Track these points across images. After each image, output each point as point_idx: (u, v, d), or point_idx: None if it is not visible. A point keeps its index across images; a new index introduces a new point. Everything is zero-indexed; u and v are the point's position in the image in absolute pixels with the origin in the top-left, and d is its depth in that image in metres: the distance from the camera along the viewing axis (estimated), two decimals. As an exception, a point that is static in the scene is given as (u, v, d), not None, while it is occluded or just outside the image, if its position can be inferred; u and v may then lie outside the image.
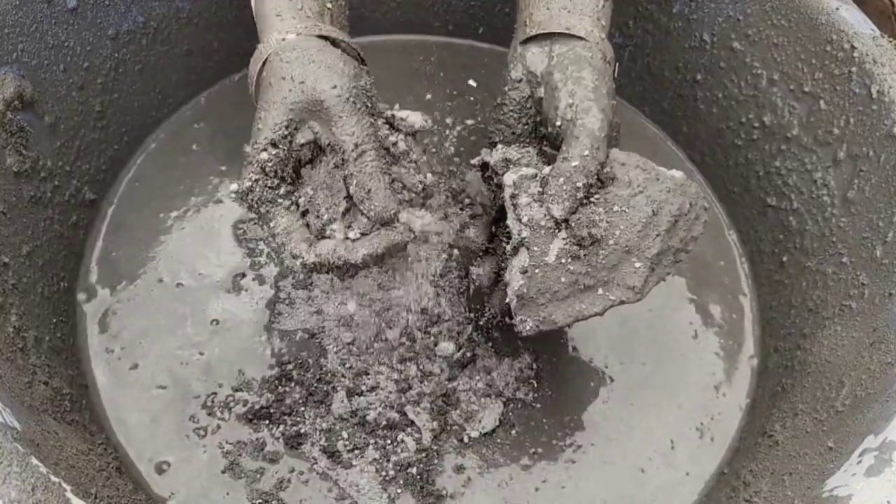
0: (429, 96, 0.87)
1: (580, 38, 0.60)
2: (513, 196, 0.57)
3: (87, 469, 0.54)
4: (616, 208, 0.55)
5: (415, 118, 0.60)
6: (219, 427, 0.64)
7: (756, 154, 0.77)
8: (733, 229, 0.81)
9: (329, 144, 0.56)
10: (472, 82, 0.89)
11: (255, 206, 0.57)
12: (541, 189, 0.56)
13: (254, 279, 0.72)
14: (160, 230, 0.75)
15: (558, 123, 0.59)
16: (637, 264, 0.56)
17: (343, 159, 0.55)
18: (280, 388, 0.66)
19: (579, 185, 0.55)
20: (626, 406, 0.69)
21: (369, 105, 0.57)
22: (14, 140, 0.63)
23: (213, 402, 0.65)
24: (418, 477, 0.62)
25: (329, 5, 0.62)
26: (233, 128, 0.82)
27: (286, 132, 0.56)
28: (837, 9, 0.67)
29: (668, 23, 0.81)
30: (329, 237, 0.57)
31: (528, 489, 0.64)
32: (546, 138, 0.63)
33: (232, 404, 0.65)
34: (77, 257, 0.72)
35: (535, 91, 0.62)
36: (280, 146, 0.56)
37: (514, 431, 0.66)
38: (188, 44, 0.81)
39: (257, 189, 0.56)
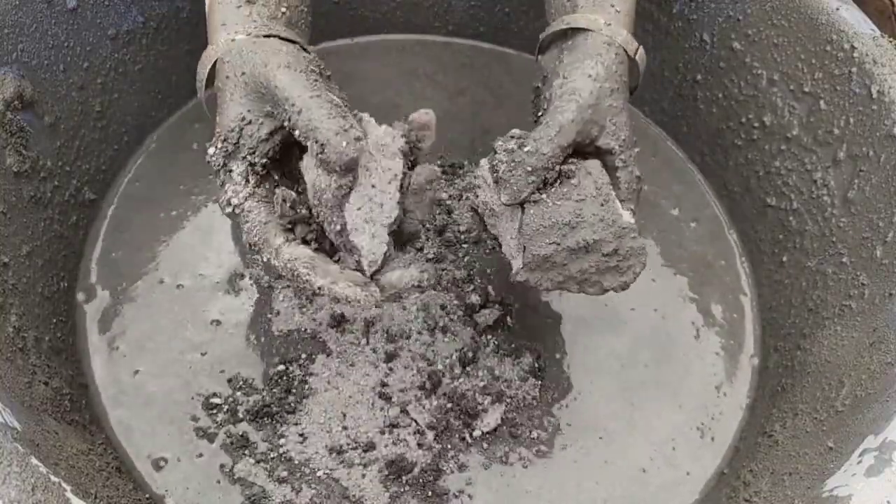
0: (429, 96, 0.87)
1: (583, 29, 0.59)
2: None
3: (86, 469, 0.54)
4: (545, 197, 0.56)
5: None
6: (219, 427, 0.64)
7: (756, 154, 0.77)
8: (733, 229, 0.81)
9: (299, 133, 0.52)
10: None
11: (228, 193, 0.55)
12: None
13: (253, 279, 0.72)
14: (160, 230, 0.75)
15: (544, 107, 0.58)
16: (512, 243, 0.57)
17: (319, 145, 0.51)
18: (281, 387, 0.66)
19: (529, 168, 0.55)
20: (627, 406, 0.69)
21: (325, 79, 0.55)
22: (14, 140, 0.63)
23: (213, 401, 0.65)
24: (421, 476, 0.62)
25: (283, 9, 0.60)
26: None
27: (239, 127, 0.54)
28: (837, 9, 0.67)
29: (667, 23, 0.81)
30: (307, 241, 0.55)
31: (530, 488, 0.64)
32: None
33: (233, 404, 0.65)
34: (77, 257, 0.72)
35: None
36: (229, 141, 0.55)
37: (516, 430, 0.66)
38: (188, 44, 0.81)
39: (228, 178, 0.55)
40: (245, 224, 0.55)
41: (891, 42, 0.66)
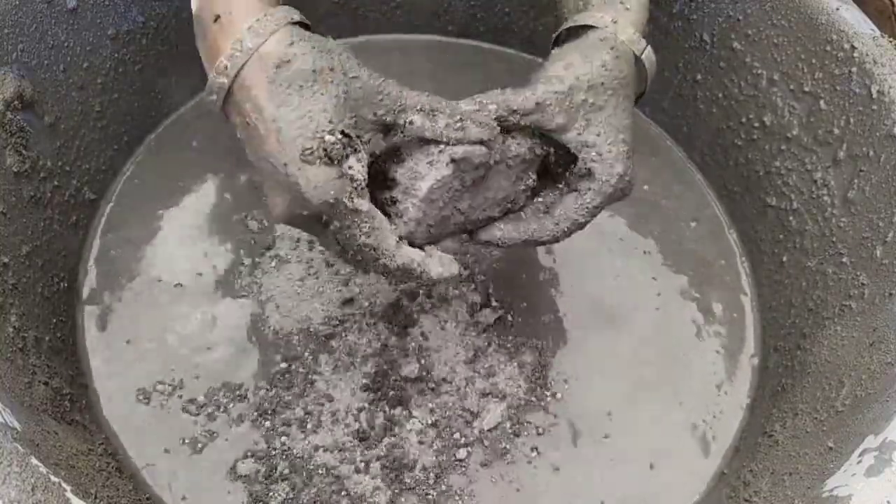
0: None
1: (591, 26, 0.58)
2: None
3: (86, 469, 0.53)
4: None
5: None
6: (220, 426, 0.64)
7: (756, 154, 0.77)
8: (733, 229, 0.81)
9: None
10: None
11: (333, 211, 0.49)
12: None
13: (253, 278, 0.72)
14: (160, 229, 0.75)
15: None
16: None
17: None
18: (283, 385, 0.66)
19: (490, 108, 0.54)
20: (629, 404, 0.69)
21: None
22: (14, 140, 0.63)
23: (213, 401, 0.65)
24: (422, 473, 0.62)
25: None
26: (233, 126, 0.82)
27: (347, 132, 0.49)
28: (837, 9, 0.67)
29: (668, 23, 0.81)
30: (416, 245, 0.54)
31: (530, 486, 0.64)
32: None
33: (233, 404, 0.65)
34: (77, 257, 0.72)
35: None
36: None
37: (517, 428, 0.66)
38: (188, 44, 0.80)
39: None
40: (357, 229, 0.50)
41: (891, 42, 0.66)
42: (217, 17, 0.50)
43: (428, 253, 0.55)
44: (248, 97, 0.49)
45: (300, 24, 0.51)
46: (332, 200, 0.48)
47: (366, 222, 0.50)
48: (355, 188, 0.49)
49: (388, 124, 0.52)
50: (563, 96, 0.55)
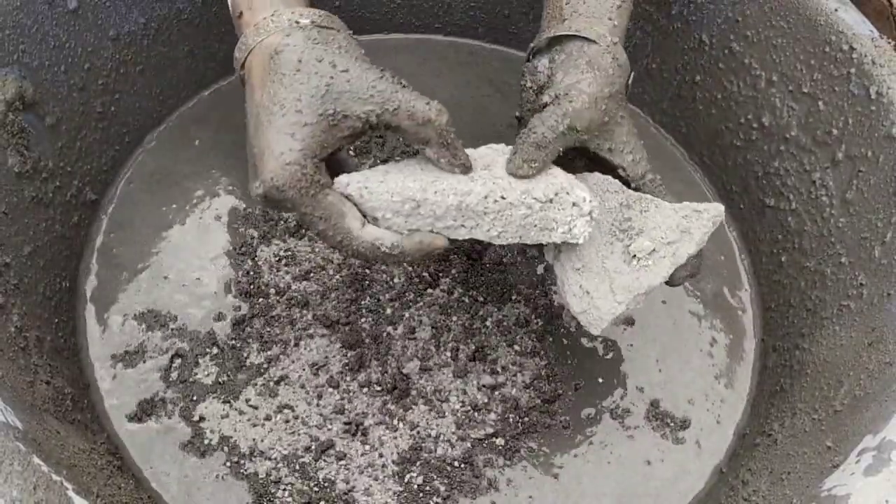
0: (430, 96, 0.87)
1: (590, 40, 0.58)
2: None
3: (88, 468, 0.54)
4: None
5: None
6: (224, 426, 0.64)
7: (755, 154, 0.77)
8: (733, 229, 0.81)
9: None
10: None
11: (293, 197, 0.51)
12: None
13: (258, 276, 0.72)
14: (161, 228, 0.75)
15: (544, 100, 0.58)
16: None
17: None
18: (284, 384, 0.66)
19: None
20: (628, 402, 0.69)
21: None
22: (15, 141, 0.63)
23: (215, 401, 0.65)
24: (420, 476, 0.62)
25: None
26: (234, 125, 0.82)
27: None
28: (836, 10, 0.68)
29: (667, 24, 0.81)
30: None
31: (529, 486, 0.64)
32: None
33: (235, 404, 0.65)
34: (78, 257, 0.72)
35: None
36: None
37: (517, 428, 0.66)
38: (189, 44, 0.81)
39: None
40: (314, 216, 0.52)
41: (889, 43, 0.66)
42: (240, 14, 0.56)
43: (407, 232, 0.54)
44: (249, 83, 0.54)
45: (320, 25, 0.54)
46: (285, 193, 0.51)
47: (321, 211, 0.52)
48: (311, 183, 0.51)
49: (373, 124, 0.52)
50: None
